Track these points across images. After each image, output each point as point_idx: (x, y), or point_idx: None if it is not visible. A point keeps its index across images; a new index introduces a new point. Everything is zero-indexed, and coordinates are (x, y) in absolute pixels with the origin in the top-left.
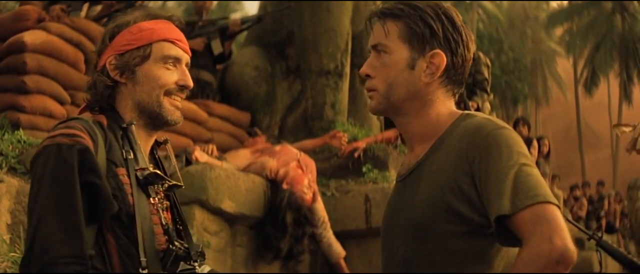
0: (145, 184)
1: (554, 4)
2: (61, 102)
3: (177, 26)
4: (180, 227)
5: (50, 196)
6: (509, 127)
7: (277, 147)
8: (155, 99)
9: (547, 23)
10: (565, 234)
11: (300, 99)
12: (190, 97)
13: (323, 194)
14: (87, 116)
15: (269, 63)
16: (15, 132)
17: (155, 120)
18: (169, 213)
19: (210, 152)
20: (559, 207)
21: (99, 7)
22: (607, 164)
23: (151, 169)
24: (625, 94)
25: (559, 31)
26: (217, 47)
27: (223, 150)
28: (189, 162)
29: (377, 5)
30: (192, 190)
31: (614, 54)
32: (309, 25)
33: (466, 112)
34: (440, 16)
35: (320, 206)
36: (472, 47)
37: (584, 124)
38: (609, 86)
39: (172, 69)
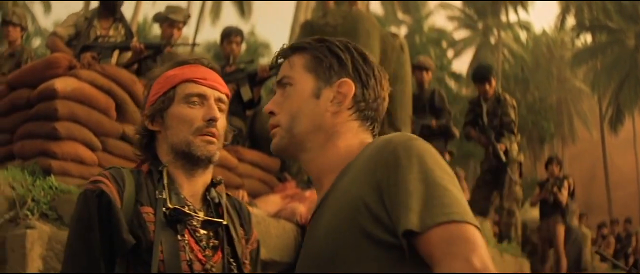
0: (173, 221)
1: (578, 43)
2: (92, 149)
3: (207, 66)
4: (234, 264)
5: (71, 240)
6: (423, 140)
7: (307, 193)
8: (183, 139)
9: (572, 62)
10: (485, 255)
11: None
12: None
13: None
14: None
15: None
16: (47, 178)
17: (188, 159)
18: (217, 252)
19: (240, 198)
20: (479, 229)
21: (128, 54)
22: (634, 201)
23: (188, 208)
24: None
25: (583, 69)
26: (246, 94)
27: (253, 196)
28: None
29: (401, 42)
30: None
31: (638, 90)
32: None
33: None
34: (349, 49)
35: None
36: (386, 85)
37: (610, 162)
38: (634, 122)
39: (197, 107)
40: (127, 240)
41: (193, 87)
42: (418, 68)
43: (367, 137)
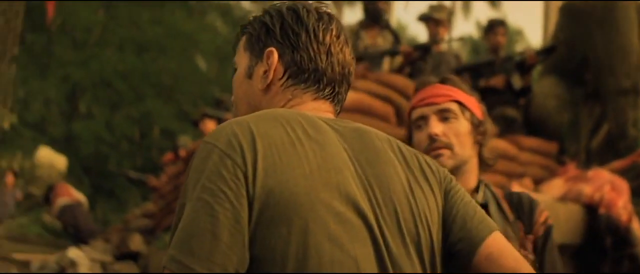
0: None
1: None
2: None
3: (431, 84)
4: None
5: None
6: (221, 134)
7: (590, 173)
8: None
9: None
10: None
11: (602, 121)
12: (499, 135)
13: (636, 213)
14: None
15: (568, 90)
16: None
17: None
18: None
19: (525, 186)
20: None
21: (398, 59)
22: None
23: None
24: None
25: None
26: (517, 82)
27: (536, 182)
28: None
29: None
30: None
31: None
32: (601, 48)
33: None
34: (281, 12)
35: (636, 226)
36: (329, 39)
37: None
38: None
39: (423, 128)
40: None
41: (416, 112)
42: None
43: (313, 103)
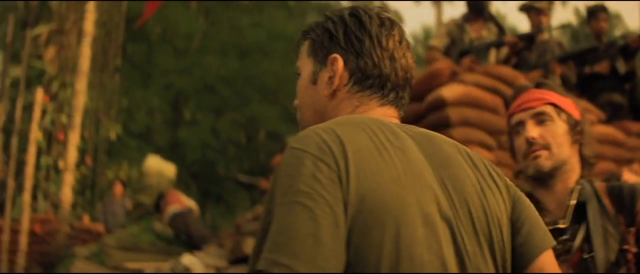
0: None
1: None
2: (488, 149)
3: (525, 90)
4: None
5: None
6: (310, 140)
7: None
8: (521, 166)
9: None
10: None
11: None
12: (606, 121)
13: None
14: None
15: None
16: None
17: (532, 181)
18: (575, 254)
19: (636, 171)
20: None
21: (505, 50)
22: None
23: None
24: None
25: None
26: (621, 67)
27: None
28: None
29: None
30: None
31: None
32: None
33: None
34: (343, 18)
35: None
36: (392, 44)
37: None
38: None
39: (521, 134)
40: None
41: (514, 119)
42: None
43: (380, 109)
